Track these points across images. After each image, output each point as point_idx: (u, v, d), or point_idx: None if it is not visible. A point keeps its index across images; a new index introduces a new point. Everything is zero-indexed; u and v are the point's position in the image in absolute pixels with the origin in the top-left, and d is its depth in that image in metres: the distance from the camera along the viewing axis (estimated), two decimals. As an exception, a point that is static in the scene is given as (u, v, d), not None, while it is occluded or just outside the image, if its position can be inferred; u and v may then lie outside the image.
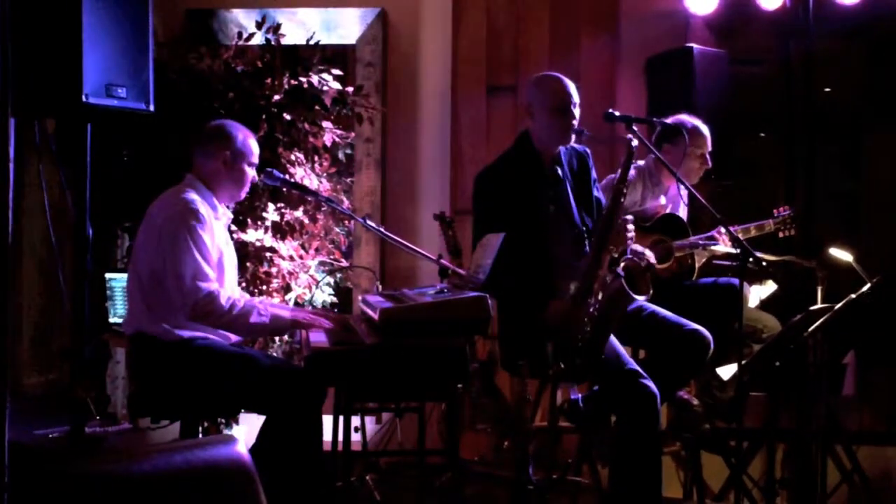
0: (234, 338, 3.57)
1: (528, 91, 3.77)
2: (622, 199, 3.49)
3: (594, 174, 3.82)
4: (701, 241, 4.19)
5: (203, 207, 3.45)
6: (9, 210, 2.24)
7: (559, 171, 3.69)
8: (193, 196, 3.46)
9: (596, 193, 3.81)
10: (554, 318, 3.46)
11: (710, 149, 4.32)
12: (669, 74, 5.12)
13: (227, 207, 3.64)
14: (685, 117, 4.31)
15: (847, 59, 5.55)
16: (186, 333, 3.41)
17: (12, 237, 2.31)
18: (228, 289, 3.53)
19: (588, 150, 3.80)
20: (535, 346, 3.51)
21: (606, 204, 3.61)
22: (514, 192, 3.64)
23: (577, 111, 3.63)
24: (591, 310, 3.39)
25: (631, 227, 3.50)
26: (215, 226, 3.50)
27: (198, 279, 3.34)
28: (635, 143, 3.50)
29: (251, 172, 3.60)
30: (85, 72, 2.89)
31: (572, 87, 3.66)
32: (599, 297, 3.39)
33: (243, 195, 3.67)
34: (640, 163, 4.31)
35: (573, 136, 3.65)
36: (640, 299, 3.40)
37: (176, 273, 3.33)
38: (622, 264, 3.36)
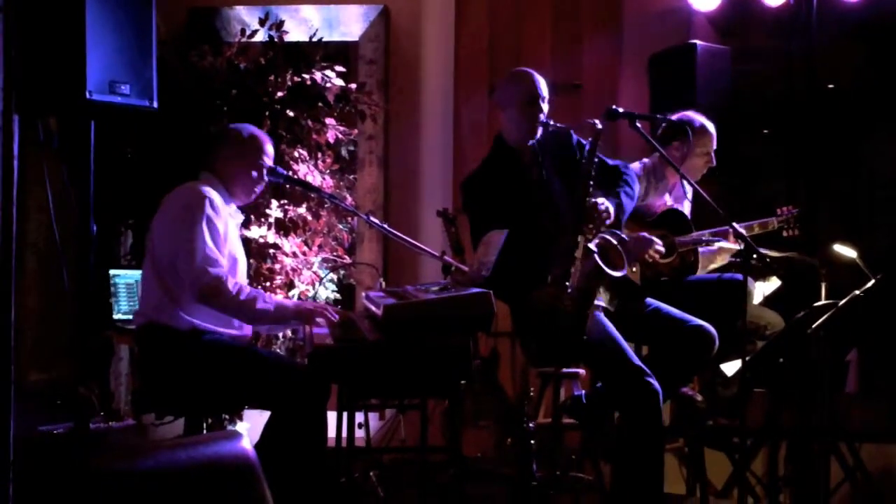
0: (241, 330, 3.58)
1: (499, 89, 3.81)
2: (590, 181, 3.50)
3: (586, 145, 3.62)
4: (704, 237, 4.18)
5: (219, 201, 3.49)
6: (13, 207, 2.25)
7: (538, 160, 3.68)
8: (210, 190, 3.50)
9: (610, 162, 3.75)
10: (540, 304, 3.46)
11: (715, 147, 4.31)
12: (672, 71, 5.11)
13: (238, 209, 3.67)
14: (692, 115, 4.29)
15: (850, 57, 5.54)
16: (198, 322, 3.43)
17: (16, 234, 2.32)
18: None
19: (567, 131, 3.74)
20: (529, 332, 3.54)
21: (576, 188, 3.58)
22: (499, 191, 3.64)
23: (545, 105, 3.64)
24: (570, 291, 3.39)
25: (603, 205, 3.50)
26: (229, 222, 3.54)
27: (207, 263, 3.36)
28: (600, 125, 3.51)
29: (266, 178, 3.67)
30: (88, 69, 2.90)
31: (541, 82, 3.68)
32: (577, 277, 3.40)
33: (254, 199, 3.72)
34: (646, 160, 4.31)
35: (539, 130, 3.66)
36: (616, 274, 3.40)
37: (187, 255, 3.36)
38: (595, 241, 3.39)
